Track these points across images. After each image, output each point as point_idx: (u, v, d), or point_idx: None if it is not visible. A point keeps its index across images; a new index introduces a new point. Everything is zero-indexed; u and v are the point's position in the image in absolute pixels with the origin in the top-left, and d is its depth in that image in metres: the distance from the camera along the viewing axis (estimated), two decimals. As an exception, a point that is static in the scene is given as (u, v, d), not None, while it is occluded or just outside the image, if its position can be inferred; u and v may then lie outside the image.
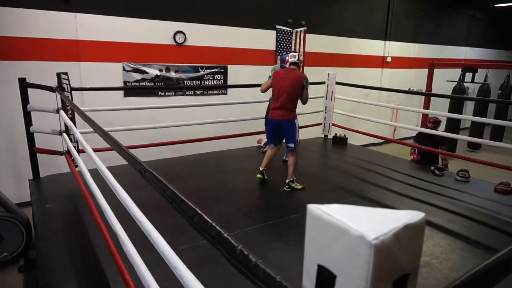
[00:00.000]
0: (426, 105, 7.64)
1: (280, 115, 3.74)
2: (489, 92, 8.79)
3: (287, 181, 3.83)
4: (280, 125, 3.80)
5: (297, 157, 3.89)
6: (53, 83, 3.75)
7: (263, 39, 6.84)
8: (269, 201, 3.68)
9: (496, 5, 10.96)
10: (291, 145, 3.81)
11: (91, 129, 2.16)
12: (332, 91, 5.83)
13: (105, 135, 1.80)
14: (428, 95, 7.52)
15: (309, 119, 5.68)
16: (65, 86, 3.76)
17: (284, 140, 3.98)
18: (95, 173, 2.13)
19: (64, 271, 2.31)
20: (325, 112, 5.94)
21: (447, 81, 8.60)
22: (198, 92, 6.24)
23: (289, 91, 3.69)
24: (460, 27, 11.15)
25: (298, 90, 3.72)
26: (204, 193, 3.65)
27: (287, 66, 3.90)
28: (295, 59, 3.81)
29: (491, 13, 11.61)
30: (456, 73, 8.59)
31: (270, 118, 3.88)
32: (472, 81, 7.89)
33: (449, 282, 0.66)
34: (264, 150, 4.75)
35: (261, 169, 3.98)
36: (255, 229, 2.93)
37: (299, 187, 3.83)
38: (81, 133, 2.83)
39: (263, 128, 5.51)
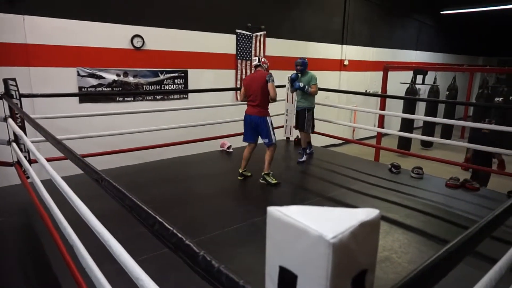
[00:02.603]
0: (382, 106, 7.99)
1: (253, 112, 4.09)
2: (438, 93, 9.36)
3: (262, 173, 4.07)
4: (253, 120, 4.11)
5: (274, 153, 4.15)
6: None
7: (223, 43, 6.84)
8: (233, 204, 3.67)
9: (442, 12, 11.71)
10: (266, 140, 4.11)
11: (43, 138, 2.05)
12: (293, 94, 5.93)
13: (57, 143, 1.71)
14: (384, 96, 7.88)
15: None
16: (13, 92, 3.54)
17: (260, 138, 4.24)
18: (49, 184, 2.02)
19: (16, 290, 2.16)
20: (287, 115, 6.03)
21: (401, 83, 9.06)
22: (158, 97, 6.11)
23: (258, 90, 4.03)
24: (410, 32, 11.80)
25: (265, 87, 4.01)
26: (167, 200, 3.58)
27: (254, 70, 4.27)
28: (257, 62, 4.17)
29: (438, 19, 12.39)
30: (408, 75, 9.07)
31: (246, 114, 4.17)
32: (423, 83, 8.37)
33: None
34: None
35: (240, 171, 4.28)
36: (221, 233, 2.91)
37: (274, 181, 4.02)
38: (32, 142, 2.68)
39: (225, 132, 5.50)
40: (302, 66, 4.84)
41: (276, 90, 4.05)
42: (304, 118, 4.98)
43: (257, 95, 4.02)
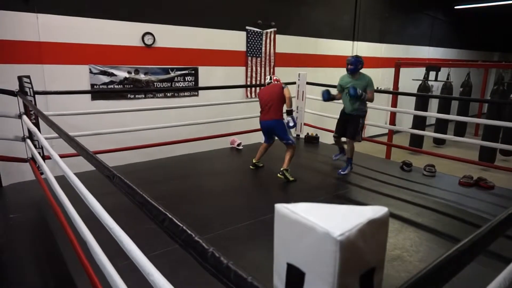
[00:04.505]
0: (394, 104, 7.90)
1: (266, 117, 4.20)
2: (452, 90, 9.19)
3: (281, 168, 4.08)
4: (269, 126, 4.23)
5: (294, 151, 4.19)
6: (14, 87, 3.59)
7: (233, 40, 6.84)
8: (243, 202, 3.68)
9: (455, 7, 11.48)
10: (284, 141, 4.19)
11: (57, 135, 2.08)
12: (303, 91, 5.91)
13: (71, 140, 1.74)
14: (395, 93, 7.77)
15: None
16: (27, 90, 3.61)
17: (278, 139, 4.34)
18: (62, 180, 2.05)
19: (30, 285, 2.21)
20: (297, 112, 6.01)
21: (413, 79, 8.92)
22: (168, 94, 6.15)
23: (275, 102, 4.14)
24: (423, 27, 11.60)
25: (282, 98, 4.14)
26: (177, 196, 3.60)
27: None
28: (268, 80, 4.43)
29: (451, 14, 12.15)
30: (420, 72, 8.93)
31: (261, 120, 4.26)
32: (436, 79, 8.23)
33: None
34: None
35: (254, 161, 4.48)
36: (230, 230, 2.92)
37: (291, 178, 4.04)
38: (46, 138, 2.73)
39: (235, 129, 5.51)
40: (353, 65, 4.23)
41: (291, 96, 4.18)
42: (358, 126, 4.31)
43: (270, 104, 4.14)
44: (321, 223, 0.49)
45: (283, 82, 4.27)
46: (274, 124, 4.17)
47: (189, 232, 0.81)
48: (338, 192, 3.85)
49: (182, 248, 0.83)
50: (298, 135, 6.15)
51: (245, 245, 2.71)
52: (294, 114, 5.94)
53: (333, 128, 6.10)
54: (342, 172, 4.33)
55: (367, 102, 4.32)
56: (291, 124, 4.15)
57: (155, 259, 1.11)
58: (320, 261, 0.49)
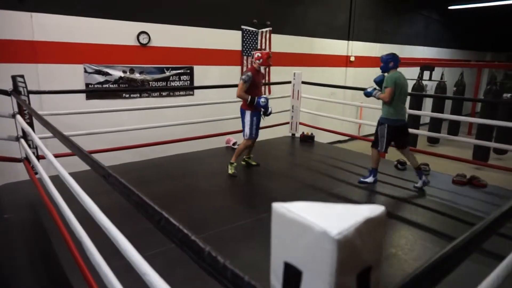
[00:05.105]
0: (389, 103, 7.93)
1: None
2: (446, 89, 9.25)
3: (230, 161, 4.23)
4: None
5: (244, 148, 4.23)
6: (8, 86, 3.56)
7: (229, 39, 6.83)
8: (239, 201, 3.68)
9: (449, 7, 11.56)
10: (243, 133, 4.25)
11: (51, 134, 2.07)
12: (298, 90, 5.92)
13: (65, 140, 1.73)
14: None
15: (276, 118, 5.73)
16: (21, 89, 3.58)
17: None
18: (57, 180, 2.04)
19: (25, 286, 2.19)
20: (292, 111, 6.02)
21: (407, 79, 8.96)
22: (164, 94, 6.13)
23: None
24: (417, 27, 11.67)
25: None
26: (173, 196, 3.60)
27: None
28: (252, 58, 4.22)
29: (445, 14, 12.24)
30: (415, 71, 8.98)
31: None
32: (430, 79, 8.27)
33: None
34: None
35: (244, 157, 4.54)
36: (226, 229, 2.92)
37: (230, 171, 4.16)
38: (40, 138, 2.71)
39: (230, 129, 5.50)
40: (382, 62, 3.96)
41: (239, 90, 4.02)
42: (377, 132, 4.02)
43: None
44: (318, 222, 0.49)
45: (247, 73, 4.04)
46: (240, 112, 4.24)
47: (185, 231, 0.81)
48: (333, 191, 3.87)
49: (178, 248, 0.83)
50: (293, 134, 6.16)
51: (241, 244, 2.71)
52: (290, 113, 5.98)
53: (329, 127, 6.11)
54: (362, 179, 4.01)
55: (395, 108, 3.93)
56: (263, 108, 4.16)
57: (151, 258, 1.11)
58: (317, 260, 0.49)
